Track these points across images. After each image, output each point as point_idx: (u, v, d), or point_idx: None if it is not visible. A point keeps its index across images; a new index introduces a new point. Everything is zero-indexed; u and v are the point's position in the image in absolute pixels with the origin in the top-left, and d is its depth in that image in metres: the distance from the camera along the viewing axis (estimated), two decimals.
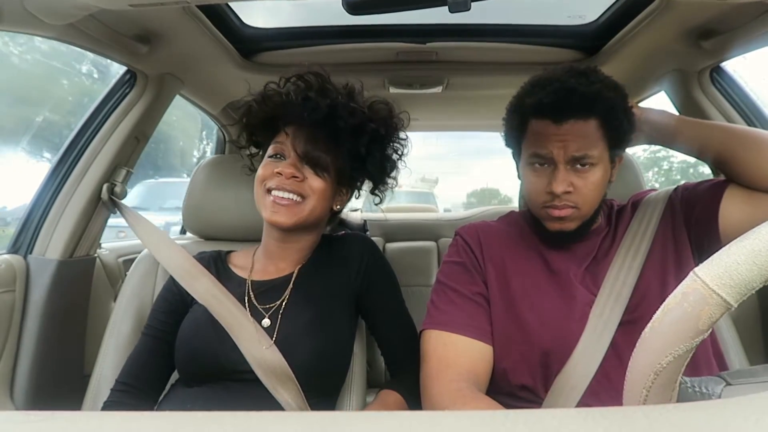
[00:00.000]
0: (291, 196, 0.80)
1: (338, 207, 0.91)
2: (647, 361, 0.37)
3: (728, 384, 0.40)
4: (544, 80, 0.77)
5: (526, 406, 0.75)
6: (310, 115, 0.78)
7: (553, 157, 0.75)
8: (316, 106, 0.78)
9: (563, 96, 0.73)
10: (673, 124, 0.83)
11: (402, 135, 0.89)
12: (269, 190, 0.80)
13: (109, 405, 0.80)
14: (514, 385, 0.77)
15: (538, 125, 0.77)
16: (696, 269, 0.36)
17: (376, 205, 0.95)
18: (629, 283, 0.75)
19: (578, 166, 0.75)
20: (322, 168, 0.81)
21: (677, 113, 1.26)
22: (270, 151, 0.84)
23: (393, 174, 0.91)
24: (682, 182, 0.88)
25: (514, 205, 1.67)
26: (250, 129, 0.88)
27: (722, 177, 0.82)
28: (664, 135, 0.84)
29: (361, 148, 0.82)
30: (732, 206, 0.75)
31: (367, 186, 0.93)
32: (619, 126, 0.75)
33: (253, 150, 0.93)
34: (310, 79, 0.82)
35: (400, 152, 0.90)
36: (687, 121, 0.84)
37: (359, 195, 0.94)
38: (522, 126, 0.80)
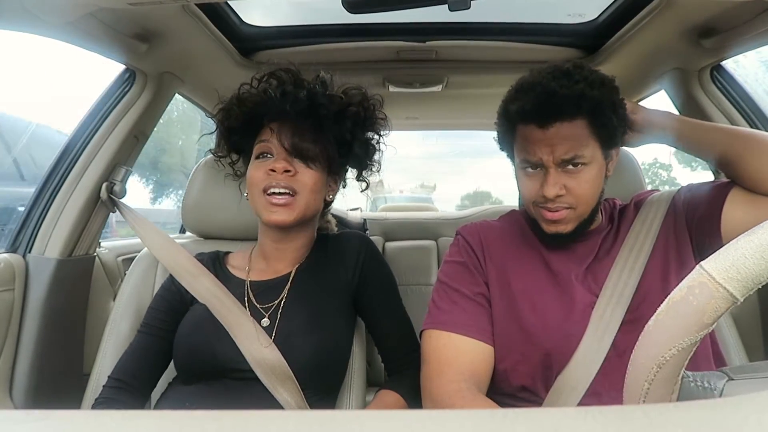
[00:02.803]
0: (286, 191, 0.80)
1: (330, 197, 0.92)
2: (650, 353, 0.37)
3: (731, 379, 0.40)
4: (526, 85, 0.76)
5: (527, 406, 0.74)
6: (292, 107, 0.78)
7: (543, 162, 0.74)
8: (296, 99, 0.79)
9: (545, 100, 0.72)
10: (675, 126, 0.82)
11: (380, 115, 0.89)
12: (264, 191, 0.80)
13: (101, 402, 0.80)
14: (515, 385, 0.76)
15: (525, 131, 0.76)
16: (702, 263, 0.36)
17: (362, 192, 0.96)
18: (631, 283, 0.75)
19: (570, 167, 0.74)
20: (311, 159, 0.81)
21: (677, 112, 1.25)
22: (256, 151, 0.84)
23: (376, 157, 0.92)
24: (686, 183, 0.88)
25: (506, 206, 1.67)
26: (231, 133, 0.88)
27: (724, 178, 0.82)
28: (666, 136, 0.84)
29: (346, 134, 0.83)
30: (735, 208, 0.75)
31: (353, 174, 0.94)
32: (608, 122, 0.74)
33: (234, 157, 0.93)
34: (282, 75, 0.83)
35: (380, 133, 0.91)
36: (689, 122, 0.83)
37: (345, 184, 0.95)
38: (510, 131, 0.80)
